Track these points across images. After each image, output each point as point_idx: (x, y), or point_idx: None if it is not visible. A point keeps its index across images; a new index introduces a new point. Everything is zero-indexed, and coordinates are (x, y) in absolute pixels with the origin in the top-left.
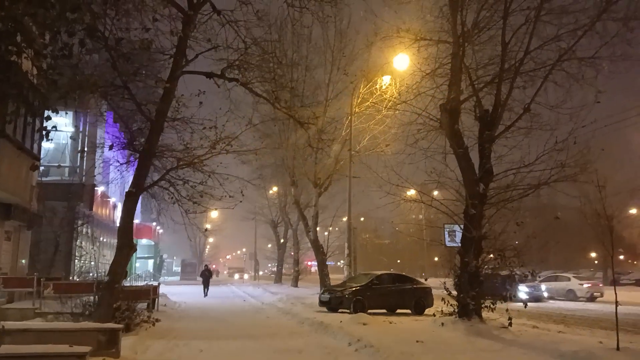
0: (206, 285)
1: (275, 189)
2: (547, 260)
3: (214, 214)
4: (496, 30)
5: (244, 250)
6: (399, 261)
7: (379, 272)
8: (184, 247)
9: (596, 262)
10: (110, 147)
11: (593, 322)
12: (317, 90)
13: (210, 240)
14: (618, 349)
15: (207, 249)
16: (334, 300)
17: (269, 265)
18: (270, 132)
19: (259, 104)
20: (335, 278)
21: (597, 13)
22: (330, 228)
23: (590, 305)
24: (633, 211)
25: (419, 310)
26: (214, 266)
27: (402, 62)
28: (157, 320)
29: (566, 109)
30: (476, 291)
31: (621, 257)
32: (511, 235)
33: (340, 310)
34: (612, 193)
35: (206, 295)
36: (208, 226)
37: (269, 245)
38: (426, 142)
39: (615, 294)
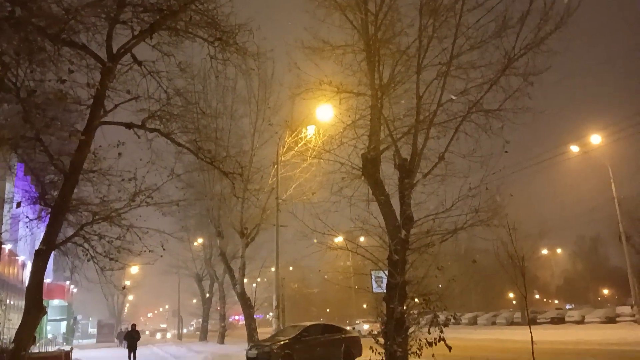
0: (132, 350)
1: (200, 240)
2: (469, 302)
3: (134, 270)
4: (411, 84)
5: (166, 307)
6: (328, 310)
7: (308, 324)
8: (101, 306)
9: (514, 302)
10: (18, 205)
11: None
12: (242, 140)
13: (130, 297)
14: None
15: (126, 308)
16: (262, 356)
17: (191, 324)
18: (194, 182)
19: (182, 154)
20: (264, 331)
21: (500, 68)
22: (259, 279)
23: None
24: (545, 252)
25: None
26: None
27: (325, 113)
28: None
29: (477, 157)
30: (402, 337)
31: (536, 296)
32: (433, 280)
33: None
34: (524, 236)
35: None
36: (127, 283)
37: (194, 301)
38: (350, 190)
39: (531, 333)
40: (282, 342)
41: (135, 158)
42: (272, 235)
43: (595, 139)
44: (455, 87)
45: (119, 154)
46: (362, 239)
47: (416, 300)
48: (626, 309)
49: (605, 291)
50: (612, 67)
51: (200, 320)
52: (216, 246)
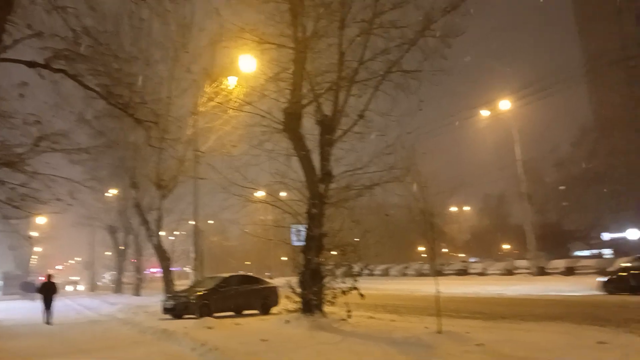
0: (48, 305)
1: (114, 191)
2: (382, 255)
3: (42, 220)
4: (334, 40)
5: (78, 259)
6: (247, 262)
7: (226, 275)
8: (6, 258)
9: (424, 255)
10: None
11: (422, 310)
12: (159, 87)
13: (39, 249)
14: (440, 332)
15: (33, 259)
16: (179, 307)
17: (103, 276)
18: (106, 130)
19: (93, 99)
20: (183, 284)
21: (420, 29)
22: (177, 232)
23: None
24: (454, 209)
25: (265, 309)
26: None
27: (247, 64)
28: None
29: (394, 116)
30: (318, 287)
31: (444, 250)
32: (349, 232)
33: (186, 316)
34: (436, 192)
35: (50, 321)
36: (35, 234)
37: (109, 253)
38: (271, 144)
39: (437, 284)
40: (200, 293)
41: (40, 101)
42: (191, 187)
43: (504, 104)
44: (377, 46)
45: (21, 94)
46: (283, 193)
47: (332, 252)
48: (523, 263)
49: (507, 246)
50: (527, 27)
51: (115, 272)
52: (131, 197)
